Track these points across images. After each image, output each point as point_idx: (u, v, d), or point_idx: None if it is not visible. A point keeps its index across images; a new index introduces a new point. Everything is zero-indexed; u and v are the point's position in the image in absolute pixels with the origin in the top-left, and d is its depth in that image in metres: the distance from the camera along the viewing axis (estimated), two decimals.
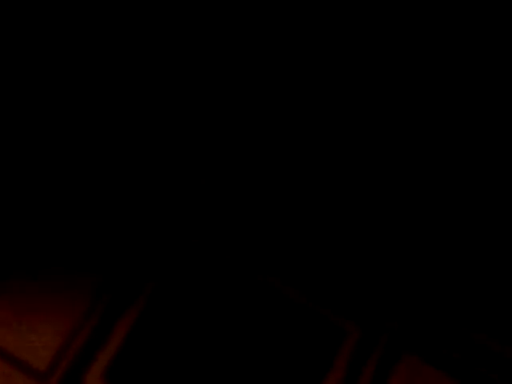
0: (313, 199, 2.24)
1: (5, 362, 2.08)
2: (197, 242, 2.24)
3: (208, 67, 2.36)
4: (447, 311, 2.06)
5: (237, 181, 2.29)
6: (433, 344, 2.05)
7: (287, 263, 2.16)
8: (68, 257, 2.26)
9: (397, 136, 2.19)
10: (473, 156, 2.11)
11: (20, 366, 2.07)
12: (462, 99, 2.05)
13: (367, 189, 2.20)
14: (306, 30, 2.15)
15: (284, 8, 2.14)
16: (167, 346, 2.11)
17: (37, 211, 2.35)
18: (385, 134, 2.20)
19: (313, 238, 2.18)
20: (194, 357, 2.09)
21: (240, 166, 2.30)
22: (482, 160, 2.10)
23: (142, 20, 2.38)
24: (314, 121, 2.28)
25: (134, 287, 2.21)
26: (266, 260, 2.18)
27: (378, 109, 2.19)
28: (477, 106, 2.04)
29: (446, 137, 2.13)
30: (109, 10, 2.40)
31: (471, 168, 2.11)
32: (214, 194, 2.28)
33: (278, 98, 2.31)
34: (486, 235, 2.11)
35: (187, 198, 2.30)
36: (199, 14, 2.29)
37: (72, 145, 2.43)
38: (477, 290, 2.08)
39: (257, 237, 2.21)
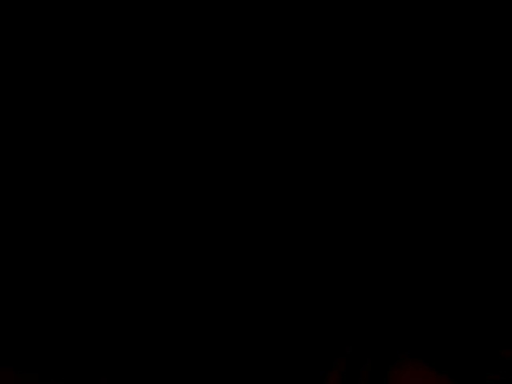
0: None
1: None
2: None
3: (208, 68, 2.35)
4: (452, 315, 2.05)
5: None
6: (436, 348, 2.02)
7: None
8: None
9: (393, 139, 2.18)
10: (465, 158, 2.10)
11: None
12: (462, 101, 2.04)
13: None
14: (305, 31, 2.15)
15: (284, 8, 2.14)
16: None
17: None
18: (383, 137, 2.19)
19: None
20: None
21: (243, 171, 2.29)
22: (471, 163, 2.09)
23: (142, 20, 2.37)
24: (315, 125, 2.27)
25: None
26: None
27: (377, 111, 2.18)
28: (477, 106, 2.03)
29: (444, 138, 2.13)
30: (109, 10, 2.40)
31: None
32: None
33: (277, 99, 2.30)
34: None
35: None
36: (199, 13, 2.28)
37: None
38: (481, 294, 2.06)
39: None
